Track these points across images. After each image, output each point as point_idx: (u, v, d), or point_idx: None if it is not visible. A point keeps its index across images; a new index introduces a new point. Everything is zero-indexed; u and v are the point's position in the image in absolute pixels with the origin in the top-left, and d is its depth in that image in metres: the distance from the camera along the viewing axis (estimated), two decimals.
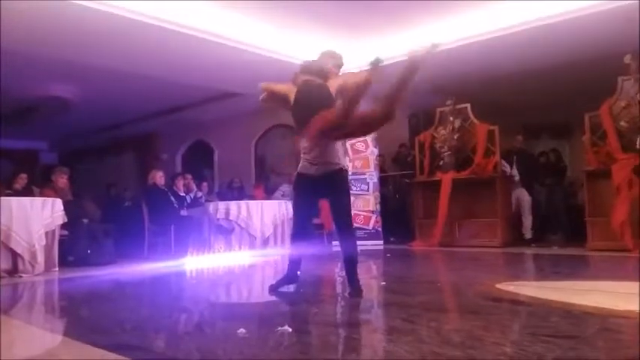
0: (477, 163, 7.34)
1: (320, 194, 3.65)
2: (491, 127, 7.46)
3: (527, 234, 7.66)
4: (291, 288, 3.64)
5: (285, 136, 9.77)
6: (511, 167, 7.76)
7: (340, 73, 3.56)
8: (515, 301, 3.21)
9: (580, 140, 7.17)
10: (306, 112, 3.18)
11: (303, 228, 3.63)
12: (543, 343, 2.07)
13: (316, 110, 3.12)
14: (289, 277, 3.63)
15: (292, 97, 3.33)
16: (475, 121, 7.61)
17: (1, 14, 5.23)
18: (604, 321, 2.53)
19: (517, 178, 7.75)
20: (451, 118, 7.71)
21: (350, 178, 7.29)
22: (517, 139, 8.13)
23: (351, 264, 3.44)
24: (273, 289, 3.60)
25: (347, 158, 6.99)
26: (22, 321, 3.09)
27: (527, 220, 7.69)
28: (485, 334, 2.30)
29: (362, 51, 7.24)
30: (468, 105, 7.71)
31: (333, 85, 3.34)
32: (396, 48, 7.16)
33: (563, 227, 7.89)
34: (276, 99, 3.54)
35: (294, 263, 3.63)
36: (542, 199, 8.03)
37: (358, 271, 3.48)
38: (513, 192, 7.76)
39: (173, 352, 2.22)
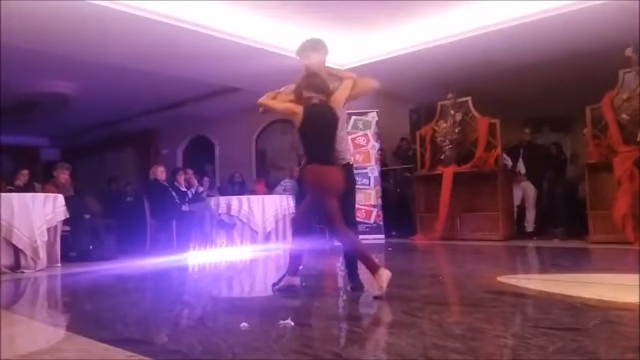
0: (478, 157, 7.32)
1: None
2: (493, 121, 7.44)
3: (529, 227, 7.67)
4: None
5: (286, 131, 9.76)
6: (517, 160, 7.75)
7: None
8: (517, 294, 3.22)
9: (581, 133, 7.15)
10: (316, 139, 3.29)
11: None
12: (545, 336, 2.08)
13: (327, 136, 3.29)
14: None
15: (298, 117, 3.30)
16: (476, 114, 7.59)
17: (1, 10, 5.23)
18: (605, 313, 2.53)
19: (523, 171, 7.74)
20: (452, 112, 7.68)
21: None
22: (525, 132, 8.11)
23: (352, 258, 3.44)
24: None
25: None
26: (25, 316, 3.10)
27: (531, 214, 7.70)
28: (487, 327, 2.31)
29: (363, 46, 7.25)
30: (469, 98, 7.69)
31: (337, 99, 3.37)
32: (398, 42, 7.18)
33: (565, 220, 7.88)
34: (276, 112, 3.73)
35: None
36: (543, 192, 8.03)
37: (359, 265, 3.49)
38: (519, 185, 7.76)
39: (175, 345, 2.22)
